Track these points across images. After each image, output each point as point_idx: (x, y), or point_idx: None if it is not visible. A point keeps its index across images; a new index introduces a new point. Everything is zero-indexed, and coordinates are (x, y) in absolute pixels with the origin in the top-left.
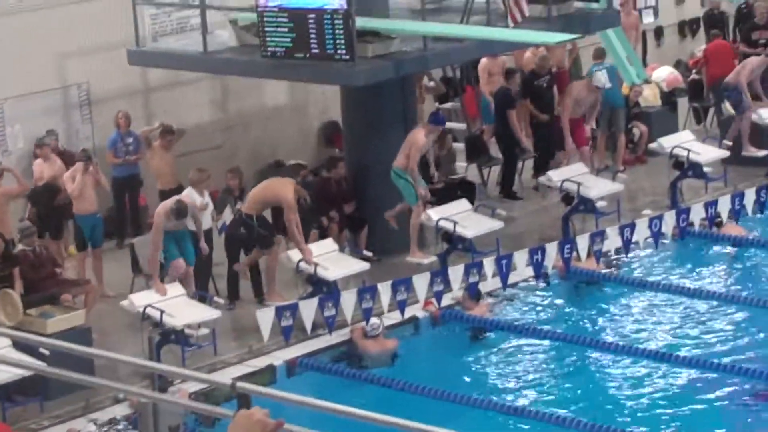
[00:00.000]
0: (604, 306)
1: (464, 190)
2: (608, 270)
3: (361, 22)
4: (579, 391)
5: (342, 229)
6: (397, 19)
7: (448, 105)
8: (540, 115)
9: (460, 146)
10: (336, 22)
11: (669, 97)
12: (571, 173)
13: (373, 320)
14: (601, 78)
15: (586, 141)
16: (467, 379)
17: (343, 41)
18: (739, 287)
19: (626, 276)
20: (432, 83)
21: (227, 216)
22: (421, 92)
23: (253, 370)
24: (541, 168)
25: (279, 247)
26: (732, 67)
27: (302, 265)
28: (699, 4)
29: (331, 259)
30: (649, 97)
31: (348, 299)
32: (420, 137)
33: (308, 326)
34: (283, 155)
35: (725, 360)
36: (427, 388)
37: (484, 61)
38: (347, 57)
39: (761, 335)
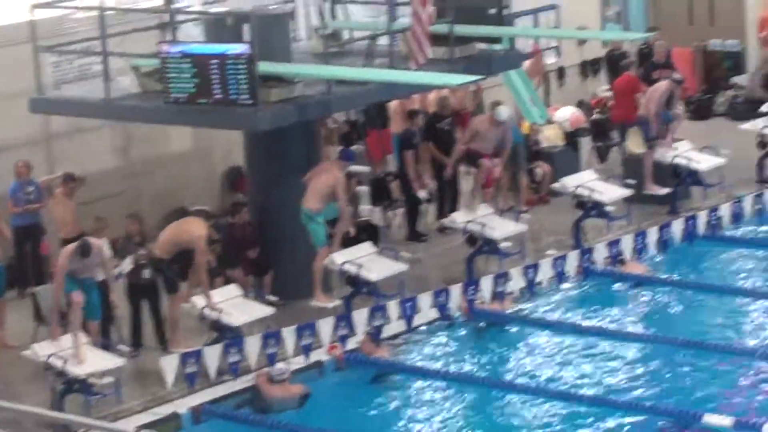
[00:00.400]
0: (509, 346)
1: (368, 233)
2: (514, 310)
3: (263, 67)
4: None
5: (247, 274)
6: (299, 63)
7: (352, 148)
8: (443, 158)
9: (364, 189)
10: (239, 67)
11: (572, 137)
12: (474, 215)
13: (281, 365)
14: (504, 111)
15: (491, 181)
16: (373, 422)
17: (246, 86)
18: (642, 325)
19: (531, 316)
20: (335, 125)
21: (127, 263)
22: (330, 134)
23: (158, 417)
24: (445, 209)
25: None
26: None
27: (206, 311)
28: (600, 44)
29: (235, 304)
30: (552, 138)
31: (252, 344)
32: (340, 175)
33: (212, 373)
34: (188, 201)
35: (630, 397)
36: None
37: (395, 102)
38: (250, 102)
39: (665, 372)
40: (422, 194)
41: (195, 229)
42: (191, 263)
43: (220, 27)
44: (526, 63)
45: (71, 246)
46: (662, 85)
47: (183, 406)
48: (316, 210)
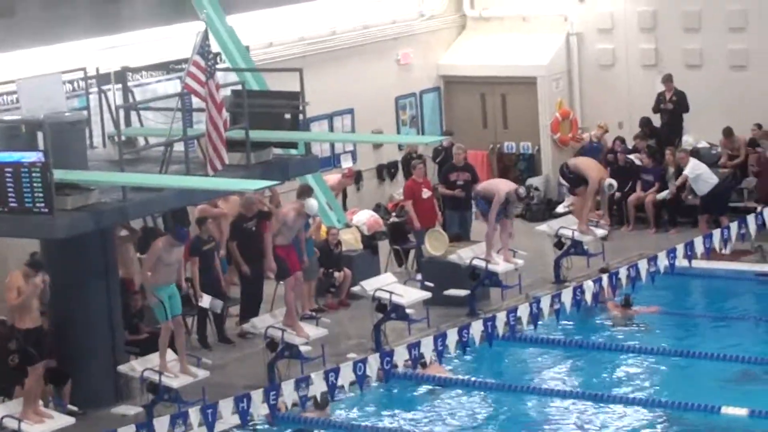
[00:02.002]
0: None
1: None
2: (318, 414)
3: (59, 175)
4: None
5: (46, 383)
6: (95, 170)
7: None
8: (242, 265)
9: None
10: (34, 175)
11: (370, 241)
12: (275, 320)
13: None
14: (314, 205)
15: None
16: None
17: (41, 194)
18: (443, 427)
19: (335, 421)
20: (124, 232)
21: None
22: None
23: None
24: (248, 314)
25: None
26: (431, 206)
27: (5, 421)
28: (396, 147)
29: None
30: (351, 241)
31: None
32: (159, 246)
33: None
34: None
35: None
36: None
37: (199, 207)
38: (46, 210)
39: None
40: (203, 302)
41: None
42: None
43: (13, 135)
44: (335, 178)
45: None
46: (510, 188)
47: None
48: (154, 284)
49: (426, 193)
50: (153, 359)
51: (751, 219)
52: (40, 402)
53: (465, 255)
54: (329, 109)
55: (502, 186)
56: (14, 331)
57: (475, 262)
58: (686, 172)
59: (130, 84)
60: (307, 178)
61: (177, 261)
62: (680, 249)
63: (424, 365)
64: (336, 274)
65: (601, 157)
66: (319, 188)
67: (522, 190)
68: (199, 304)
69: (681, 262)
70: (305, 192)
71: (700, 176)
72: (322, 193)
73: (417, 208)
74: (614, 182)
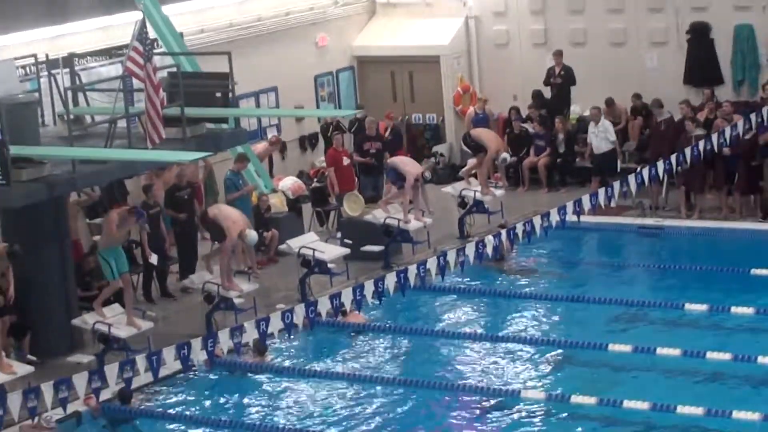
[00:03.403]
0: (248, 392)
1: (116, 295)
2: (259, 359)
3: (15, 150)
4: None
5: (7, 336)
6: (47, 146)
7: (97, 221)
8: (177, 215)
9: None
10: None
11: (294, 204)
12: (211, 276)
13: (46, 414)
14: (254, 237)
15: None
16: None
17: None
18: (362, 367)
19: (269, 364)
20: (83, 196)
21: None
22: (75, 206)
23: None
24: (185, 271)
25: None
26: (349, 173)
27: None
28: (316, 120)
29: None
30: (277, 204)
31: (14, 400)
32: (114, 217)
33: None
34: None
35: None
36: None
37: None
38: (3, 182)
39: (384, 408)
40: (152, 260)
41: None
42: None
43: None
44: (262, 146)
45: None
46: (417, 171)
47: None
48: (104, 248)
49: (345, 161)
50: (103, 312)
51: (631, 178)
52: (2, 353)
53: (378, 215)
54: (256, 87)
55: (411, 169)
56: None
57: (389, 221)
58: (600, 128)
59: (76, 68)
60: (237, 149)
61: (126, 230)
62: (570, 206)
63: (344, 313)
64: (265, 234)
65: (489, 124)
66: (250, 158)
67: (427, 174)
68: (149, 261)
69: (571, 217)
70: (242, 159)
71: (606, 135)
72: (252, 162)
73: (338, 174)
74: (508, 157)
